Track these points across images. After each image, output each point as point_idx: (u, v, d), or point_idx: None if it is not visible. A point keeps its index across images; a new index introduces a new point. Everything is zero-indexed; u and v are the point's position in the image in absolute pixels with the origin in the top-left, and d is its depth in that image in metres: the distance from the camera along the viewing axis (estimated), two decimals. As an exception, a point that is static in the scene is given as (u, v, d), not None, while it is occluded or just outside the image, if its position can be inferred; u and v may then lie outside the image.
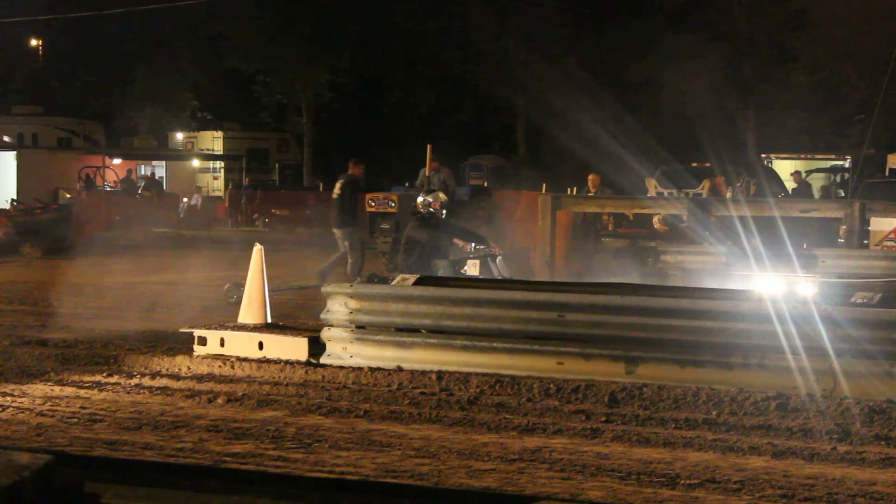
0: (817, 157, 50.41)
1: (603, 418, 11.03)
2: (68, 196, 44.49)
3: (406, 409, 11.47)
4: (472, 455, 9.64)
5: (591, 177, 26.89)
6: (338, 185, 22.62)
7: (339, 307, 13.55)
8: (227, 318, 15.21)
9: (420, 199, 18.34)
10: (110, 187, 47.82)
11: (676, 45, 49.11)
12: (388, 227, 23.99)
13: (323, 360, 13.44)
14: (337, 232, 22.25)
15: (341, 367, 13.16)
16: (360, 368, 13.04)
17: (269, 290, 14.84)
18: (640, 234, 25.13)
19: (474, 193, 28.46)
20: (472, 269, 17.92)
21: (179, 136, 64.90)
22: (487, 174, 48.33)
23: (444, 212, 18.19)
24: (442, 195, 18.45)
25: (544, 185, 29.04)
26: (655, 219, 25.10)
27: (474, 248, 18.28)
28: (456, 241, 18.25)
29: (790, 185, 41.55)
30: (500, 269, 18.12)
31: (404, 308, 13.49)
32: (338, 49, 59.50)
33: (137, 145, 59.19)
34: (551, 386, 12.06)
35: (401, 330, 13.48)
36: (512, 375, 12.45)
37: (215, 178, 61.11)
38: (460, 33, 57.22)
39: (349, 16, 58.73)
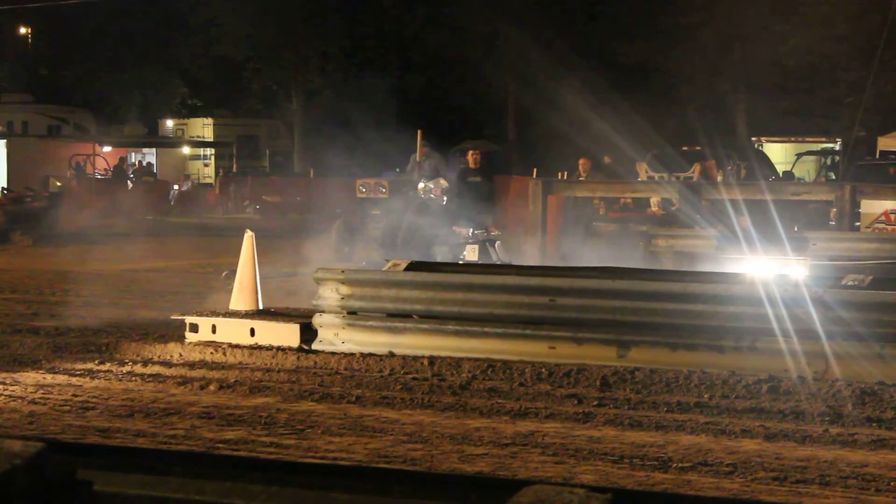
0: (808, 139, 50.47)
1: (595, 402, 11.04)
2: (59, 184, 44.44)
3: (398, 394, 11.48)
4: (464, 440, 9.65)
5: (581, 161, 26.85)
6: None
7: (330, 293, 13.54)
8: (218, 305, 15.20)
9: (421, 186, 18.38)
10: (101, 175, 47.79)
11: (667, 29, 49.10)
12: (378, 213, 23.98)
13: (315, 346, 13.44)
14: None
15: (333, 353, 13.15)
16: (352, 354, 13.03)
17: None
18: (631, 219, 25.14)
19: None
20: (471, 254, 17.96)
21: (170, 123, 64.82)
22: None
23: (445, 198, 18.23)
24: (443, 181, 18.50)
25: (535, 170, 29.05)
26: (653, 201, 25.10)
27: (472, 233, 18.31)
28: (455, 227, 18.29)
29: (781, 168, 41.60)
30: (499, 254, 18.15)
31: (396, 293, 13.49)
32: (328, 35, 59.39)
33: (128, 133, 59.14)
34: (543, 370, 12.07)
35: (392, 315, 13.48)
36: (504, 360, 12.45)
37: (206, 165, 61.05)
38: (451, 18, 57.12)
39: (339, 1, 58.63)
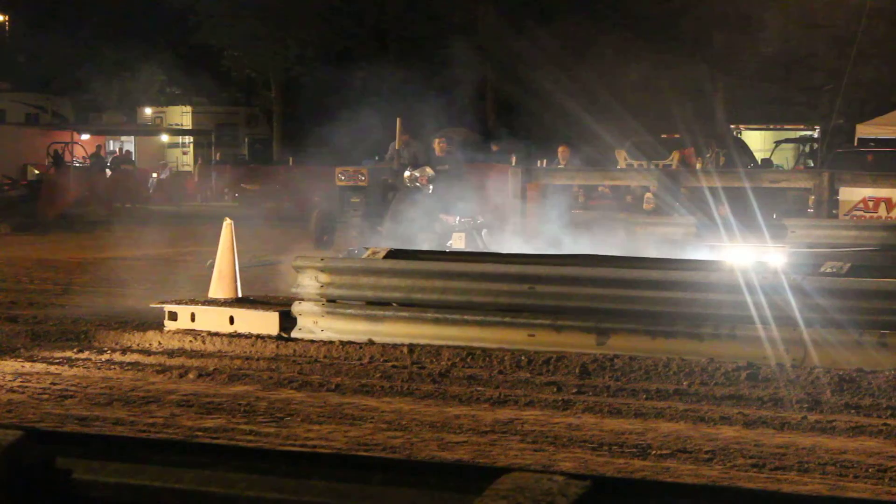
0: (786, 127, 50.55)
1: (574, 390, 11.05)
2: (37, 172, 44.30)
3: (378, 382, 11.48)
4: (443, 427, 9.66)
5: (560, 149, 26.85)
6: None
7: (309, 281, 13.53)
8: (197, 294, 15.16)
9: (407, 174, 18.36)
10: (79, 163, 47.67)
11: (645, 16, 49.10)
12: (358, 200, 23.94)
13: (294, 334, 13.42)
14: None
15: (312, 341, 13.14)
16: (332, 342, 13.02)
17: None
18: (611, 207, 25.15)
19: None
20: (457, 241, 17.96)
21: (148, 110, 64.60)
22: (457, 147, 48.10)
23: (431, 186, 18.22)
24: (429, 170, 18.48)
25: (514, 158, 29.02)
26: (647, 195, 25.08)
27: (459, 220, 18.31)
28: (442, 215, 18.28)
29: (759, 155, 41.65)
30: (485, 242, 18.15)
31: (375, 281, 13.48)
32: (307, 23, 59.21)
33: (106, 121, 58.95)
34: (522, 358, 12.08)
35: (372, 303, 13.47)
36: (483, 348, 12.45)
37: (184, 153, 60.92)
38: (429, 5, 57.02)
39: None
